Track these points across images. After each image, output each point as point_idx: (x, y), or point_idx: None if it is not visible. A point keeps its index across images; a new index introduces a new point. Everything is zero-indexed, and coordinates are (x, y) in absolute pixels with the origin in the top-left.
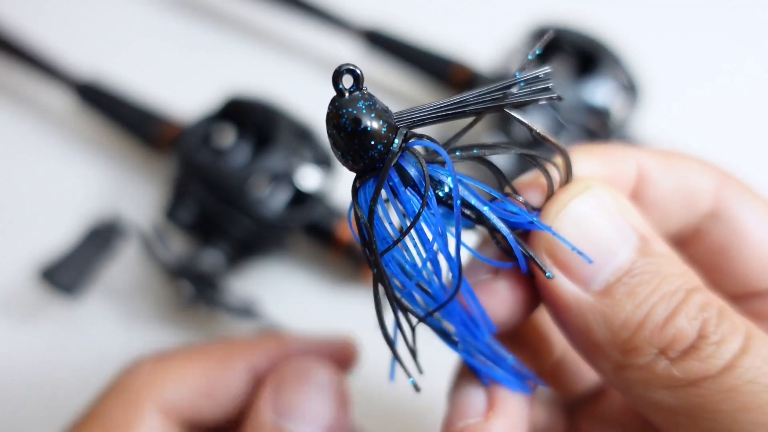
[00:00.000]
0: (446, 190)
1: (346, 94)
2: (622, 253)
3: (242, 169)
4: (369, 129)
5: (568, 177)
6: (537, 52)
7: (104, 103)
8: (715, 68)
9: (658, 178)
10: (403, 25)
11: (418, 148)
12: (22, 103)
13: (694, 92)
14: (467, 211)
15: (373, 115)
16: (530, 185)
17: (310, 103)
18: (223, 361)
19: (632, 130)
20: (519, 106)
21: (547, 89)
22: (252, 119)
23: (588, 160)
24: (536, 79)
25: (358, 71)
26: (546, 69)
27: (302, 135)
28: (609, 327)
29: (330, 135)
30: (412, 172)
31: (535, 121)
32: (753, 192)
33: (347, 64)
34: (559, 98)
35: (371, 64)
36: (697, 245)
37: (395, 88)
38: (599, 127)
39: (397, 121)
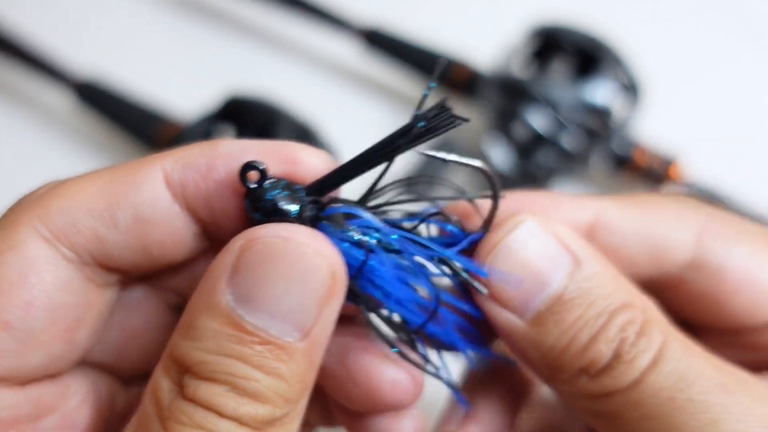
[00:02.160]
0: (374, 241)
1: (256, 189)
2: (554, 282)
3: None
4: (285, 215)
5: (495, 201)
6: (431, 86)
7: (104, 103)
8: (716, 68)
9: (618, 227)
10: (402, 25)
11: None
12: (22, 103)
13: (695, 91)
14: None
15: (283, 202)
16: (460, 212)
17: (309, 102)
18: (127, 173)
19: (633, 130)
20: (427, 140)
21: (450, 118)
22: (252, 119)
23: (534, 206)
24: (438, 112)
25: (261, 166)
26: (442, 99)
27: (302, 134)
28: (539, 350)
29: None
30: (336, 237)
31: (529, 124)
32: (741, 230)
33: (249, 162)
34: (466, 120)
35: (371, 64)
36: (680, 291)
37: (395, 88)
38: (600, 127)
39: (310, 193)
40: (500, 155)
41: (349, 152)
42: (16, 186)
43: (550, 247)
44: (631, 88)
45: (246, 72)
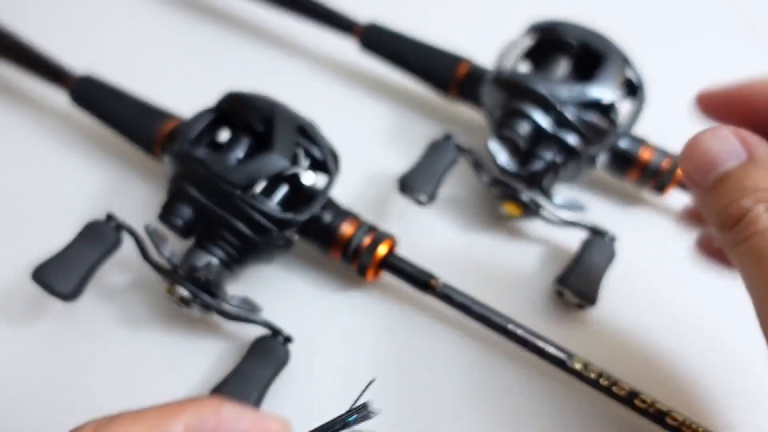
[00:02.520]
0: None
1: None
2: (723, 166)
3: (240, 166)
4: None
5: None
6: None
7: (101, 102)
8: (721, 67)
9: None
10: (402, 23)
11: None
12: (18, 103)
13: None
14: None
15: None
16: None
17: (308, 100)
18: (162, 418)
19: (638, 128)
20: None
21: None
22: (251, 115)
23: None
24: (365, 413)
25: None
26: (366, 404)
27: (302, 132)
28: (706, 209)
29: None
30: None
31: (532, 121)
32: None
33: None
34: (372, 415)
35: (370, 62)
36: None
37: (395, 87)
38: (605, 124)
39: None
40: (501, 154)
41: (347, 150)
42: (12, 186)
43: (731, 144)
44: (636, 86)
45: (245, 70)
